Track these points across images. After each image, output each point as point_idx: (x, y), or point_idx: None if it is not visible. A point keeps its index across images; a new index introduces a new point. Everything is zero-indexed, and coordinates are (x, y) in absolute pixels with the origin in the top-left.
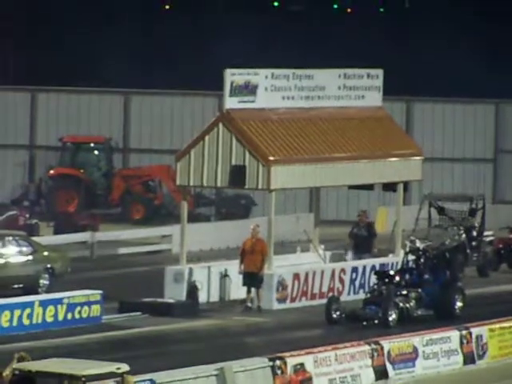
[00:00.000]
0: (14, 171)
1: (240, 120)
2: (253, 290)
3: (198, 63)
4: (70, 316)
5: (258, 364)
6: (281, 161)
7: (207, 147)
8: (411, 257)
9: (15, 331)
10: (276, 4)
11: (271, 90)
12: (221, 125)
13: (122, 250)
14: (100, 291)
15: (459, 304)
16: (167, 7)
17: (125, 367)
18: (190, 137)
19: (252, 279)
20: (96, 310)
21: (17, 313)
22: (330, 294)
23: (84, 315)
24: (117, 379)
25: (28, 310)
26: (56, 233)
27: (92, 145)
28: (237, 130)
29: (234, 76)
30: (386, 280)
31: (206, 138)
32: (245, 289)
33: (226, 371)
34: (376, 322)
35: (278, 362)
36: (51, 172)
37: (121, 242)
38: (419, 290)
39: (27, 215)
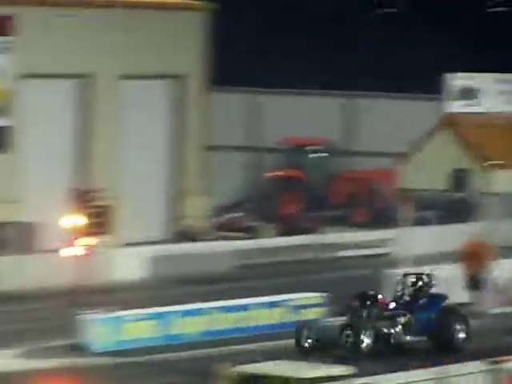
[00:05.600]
0: (237, 173)
1: (462, 124)
2: (474, 293)
3: (406, 65)
4: (294, 318)
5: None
6: (502, 165)
7: (428, 151)
8: None
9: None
10: None
11: (494, 94)
12: (442, 129)
13: (343, 253)
14: (322, 293)
15: (461, 335)
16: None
17: (349, 370)
18: (410, 140)
19: (474, 282)
20: (317, 312)
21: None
22: None
23: (307, 318)
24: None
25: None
26: (281, 235)
27: (313, 147)
28: (458, 134)
29: (455, 80)
30: (368, 302)
31: (428, 141)
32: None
33: None
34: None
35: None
36: (273, 174)
37: (341, 245)
38: (408, 314)
39: (249, 217)
